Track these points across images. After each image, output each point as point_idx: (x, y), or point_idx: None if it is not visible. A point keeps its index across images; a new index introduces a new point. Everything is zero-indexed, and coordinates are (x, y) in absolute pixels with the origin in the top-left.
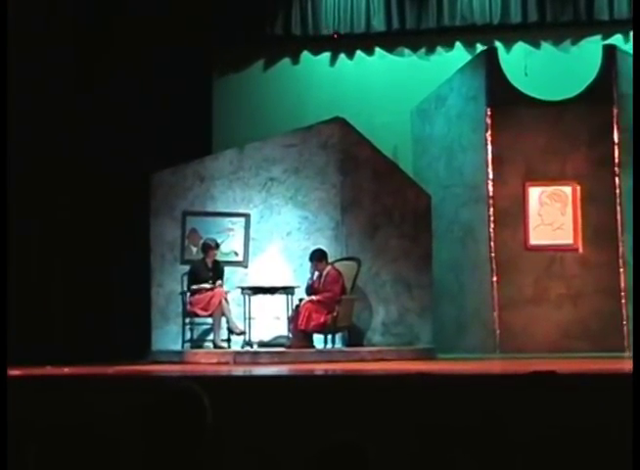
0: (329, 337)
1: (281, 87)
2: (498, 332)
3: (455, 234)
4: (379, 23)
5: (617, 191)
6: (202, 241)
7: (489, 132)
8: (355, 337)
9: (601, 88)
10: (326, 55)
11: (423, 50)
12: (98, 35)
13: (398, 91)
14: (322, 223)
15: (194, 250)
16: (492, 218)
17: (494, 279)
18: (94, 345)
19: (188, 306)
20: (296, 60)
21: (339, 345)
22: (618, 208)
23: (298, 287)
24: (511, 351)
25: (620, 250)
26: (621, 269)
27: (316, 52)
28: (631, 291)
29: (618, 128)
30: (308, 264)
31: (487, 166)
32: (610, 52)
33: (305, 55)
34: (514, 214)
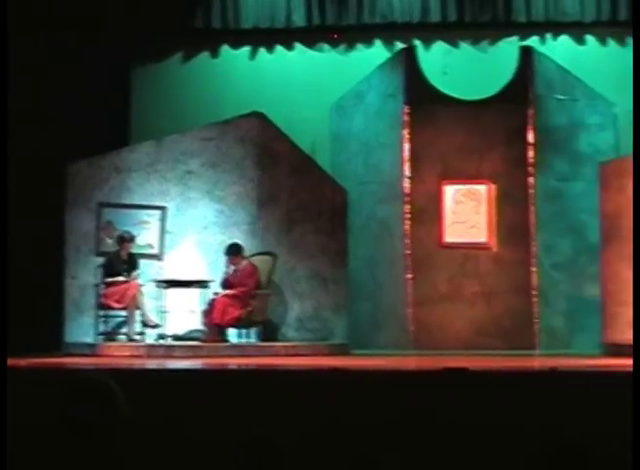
0: (243, 331)
1: (201, 80)
2: (412, 329)
3: (372, 230)
4: (299, 19)
5: (531, 191)
6: (117, 233)
7: (407, 130)
8: (270, 332)
9: (517, 89)
10: (246, 49)
11: (343, 46)
12: (11, 19)
13: (318, 87)
14: (238, 218)
15: (109, 242)
16: (408, 216)
17: (409, 276)
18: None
19: (102, 299)
20: (215, 53)
21: (253, 339)
22: (532, 207)
23: (214, 281)
24: (425, 347)
25: (533, 249)
26: (534, 268)
27: (236, 46)
28: (543, 289)
29: (534, 129)
30: (224, 258)
31: (404, 164)
32: (526, 53)
33: (225, 49)
34: (430, 212)
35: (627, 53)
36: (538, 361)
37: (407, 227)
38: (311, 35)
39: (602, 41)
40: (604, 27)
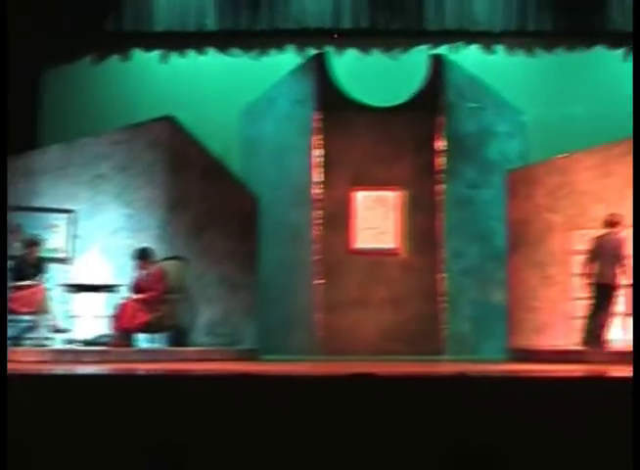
0: (153, 336)
1: (114, 82)
2: (322, 334)
3: (282, 236)
4: (211, 23)
5: (441, 198)
6: (25, 236)
7: (317, 136)
8: (179, 337)
9: (428, 97)
10: (158, 53)
11: (255, 51)
12: None
13: (230, 91)
14: (148, 222)
15: (17, 245)
16: (319, 221)
17: (319, 281)
18: None
19: (9, 303)
20: (127, 56)
21: (162, 344)
22: (441, 214)
23: (123, 285)
24: (334, 352)
25: (442, 255)
26: (442, 274)
27: (148, 49)
28: (451, 295)
29: (444, 136)
30: (133, 263)
31: (315, 170)
32: (437, 61)
33: (137, 52)
34: (340, 218)
35: (535, 63)
36: (446, 367)
37: (317, 233)
38: (223, 40)
39: (511, 51)
40: (513, 37)
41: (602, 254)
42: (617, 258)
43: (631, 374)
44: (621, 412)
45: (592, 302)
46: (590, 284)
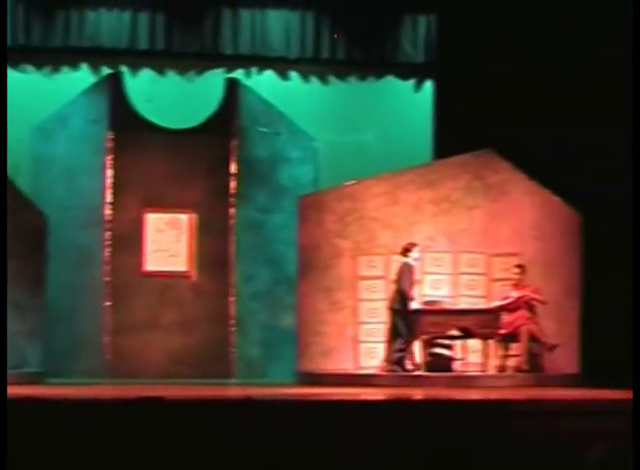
0: None
1: None
2: (110, 357)
3: (71, 256)
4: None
5: (232, 221)
6: None
7: (110, 156)
8: None
9: (222, 120)
10: None
11: (47, 68)
12: None
13: (21, 108)
14: None
15: None
16: (109, 243)
17: (108, 304)
18: None
19: None
20: None
21: None
22: (232, 237)
23: None
24: (123, 376)
25: (232, 279)
26: (232, 298)
27: None
28: (241, 319)
29: (236, 160)
30: None
31: (106, 190)
32: (232, 85)
33: None
34: (131, 239)
35: (328, 90)
36: (234, 390)
37: (107, 254)
38: (15, 55)
39: (305, 78)
40: (307, 65)
41: (397, 280)
42: (404, 283)
43: (422, 398)
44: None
45: (389, 327)
46: (388, 309)
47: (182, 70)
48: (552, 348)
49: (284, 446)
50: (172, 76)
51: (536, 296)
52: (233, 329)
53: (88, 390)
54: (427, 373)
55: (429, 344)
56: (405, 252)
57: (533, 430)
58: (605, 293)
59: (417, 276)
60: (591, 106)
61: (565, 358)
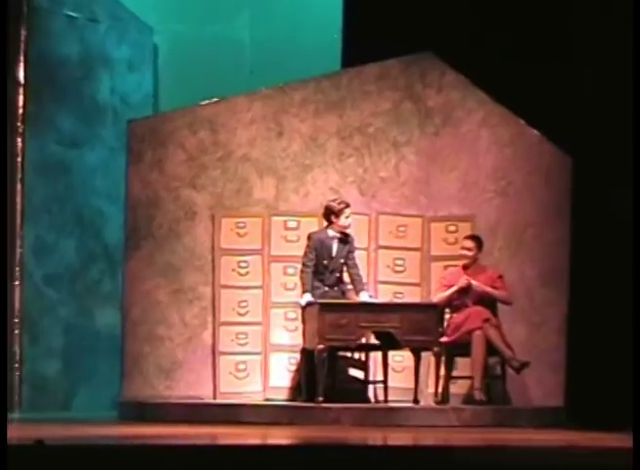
0: None
1: None
2: None
3: None
4: None
5: (18, 160)
6: None
7: None
8: None
9: None
10: None
11: None
12: None
13: None
14: None
15: None
16: None
17: None
18: None
19: None
20: None
21: None
22: (16, 185)
23: None
24: None
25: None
26: (15, 282)
27: None
28: (27, 316)
29: (25, 61)
30: None
31: None
32: None
33: None
34: None
35: None
36: (13, 431)
37: None
38: None
39: None
40: None
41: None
42: None
43: None
44: None
45: None
46: None
47: None
48: (522, 366)
49: None
50: None
51: (498, 284)
52: (16, 332)
53: None
54: (325, 404)
55: (327, 358)
56: (328, 217)
57: None
58: (605, 281)
59: None
60: None
61: (542, 383)
